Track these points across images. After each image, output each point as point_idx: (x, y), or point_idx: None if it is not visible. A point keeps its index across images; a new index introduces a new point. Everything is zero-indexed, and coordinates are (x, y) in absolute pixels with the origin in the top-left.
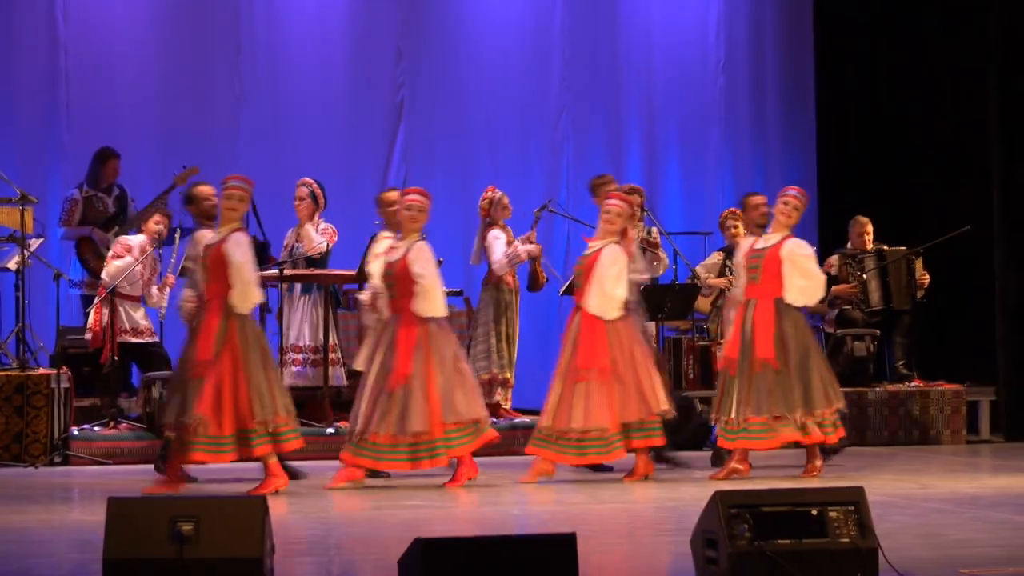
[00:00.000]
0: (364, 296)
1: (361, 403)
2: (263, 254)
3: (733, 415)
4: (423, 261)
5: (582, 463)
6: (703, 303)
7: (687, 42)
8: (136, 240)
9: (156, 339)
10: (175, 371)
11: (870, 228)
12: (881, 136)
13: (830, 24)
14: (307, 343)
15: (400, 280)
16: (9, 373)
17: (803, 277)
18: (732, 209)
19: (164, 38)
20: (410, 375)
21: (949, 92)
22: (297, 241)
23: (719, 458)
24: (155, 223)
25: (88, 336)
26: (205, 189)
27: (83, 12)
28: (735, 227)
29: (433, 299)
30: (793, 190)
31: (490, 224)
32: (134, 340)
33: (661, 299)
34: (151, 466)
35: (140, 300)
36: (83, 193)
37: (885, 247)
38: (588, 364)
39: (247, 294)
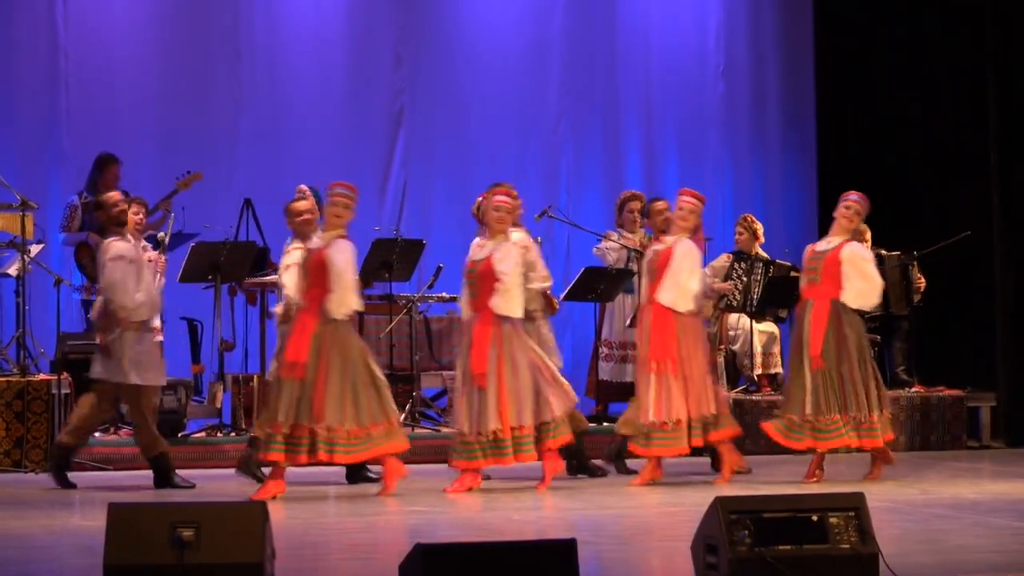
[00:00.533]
0: (277, 308)
1: (460, 407)
2: (263, 260)
3: (796, 416)
4: (509, 261)
5: (647, 455)
6: (706, 307)
7: (686, 46)
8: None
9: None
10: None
11: (869, 235)
12: (881, 140)
13: (830, 27)
14: None
15: (483, 279)
16: (10, 379)
17: (862, 280)
18: (746, 215)
19: (164, 42)
20: (485, 374)
21: (949, 95)
22: None
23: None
24: (133, 214)
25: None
26: (114, 195)
27: (83, 16)
28: (741, 233)
29: (512, 299)
30: (854, 195)
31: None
32: None
33: None
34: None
35: None
36: (82, 199)
37: (883, 252)
38: (660, 356)
39: (345, 300)
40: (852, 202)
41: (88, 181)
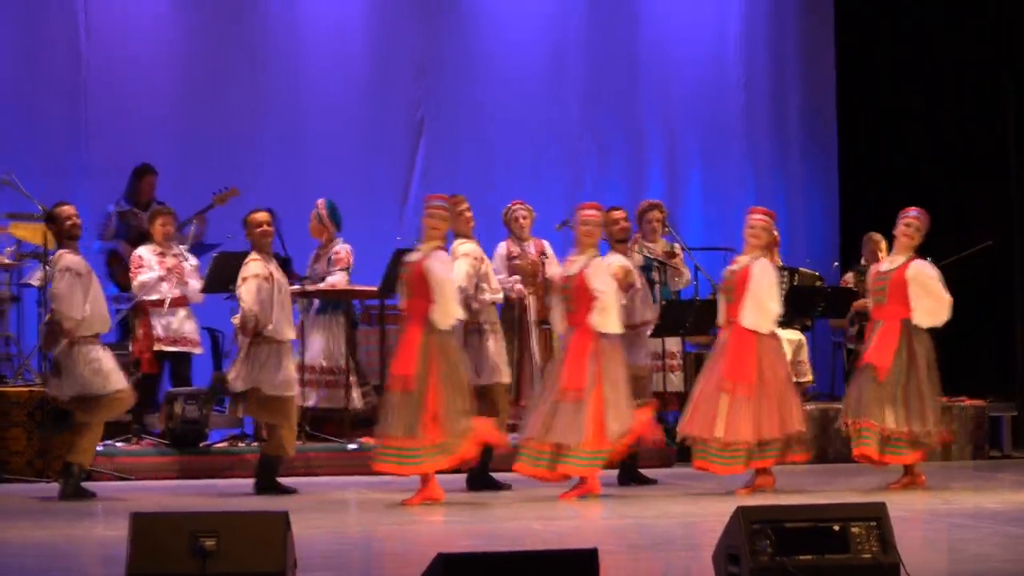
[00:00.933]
0: (235, 320)
1: (539, 415)
2: (286, 270)
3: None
4: (603, 278)
5: (707, 469)
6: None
7: (707, 57)
8: (147, 251)
9: (196, 350)
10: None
11: (884, 245)
12: (903, 148)
13: (851, 37)
14: (323, 364)
15: (578, 294)
16: (32, 389)
17: (930, 299)
18: None
19: (185, 54)
20: (584, 388)
21: (973, 107)
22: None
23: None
24: (160, 225)
25: (132, 348)
26: (67, 209)
27: (104, 28)
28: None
29: (610, 316)
30: (914, 211)
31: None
32: (169, 348)
33: (682, 314)
34: (173, 481)
35: (188, 308)
36: (118, 208)
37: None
38: (736, 378)
39: (448, 310)
40: (912, 219)
41: (126, 190)
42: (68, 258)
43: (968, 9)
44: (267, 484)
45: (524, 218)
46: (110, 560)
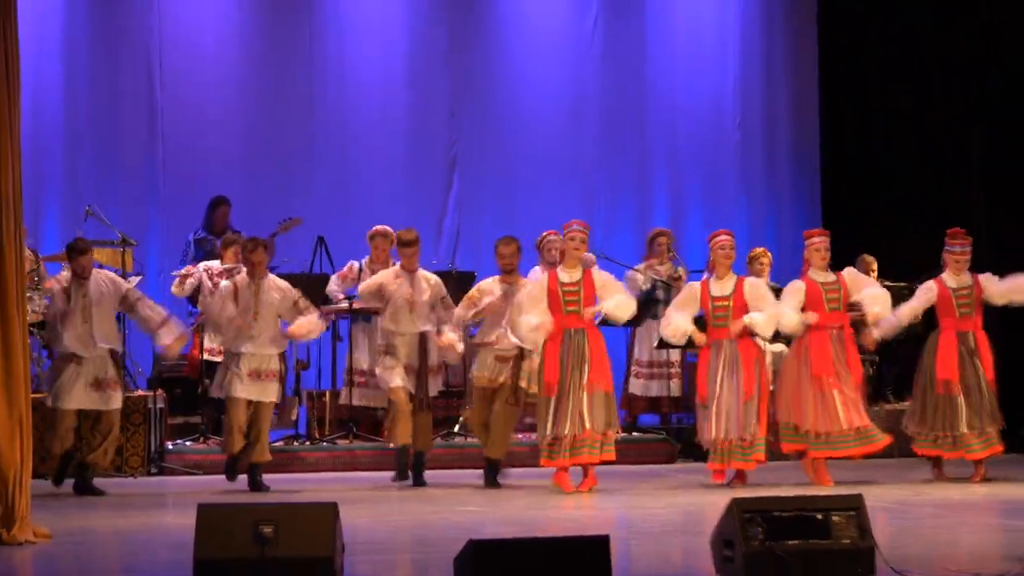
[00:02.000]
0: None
1: (719, 418)
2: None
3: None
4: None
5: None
6: (698, 336)
7: (707, 102)
8: (201, 267)
9: None
10: None
11: (875, 266)
12: (878, 187)
13: (834, 86)
14: (368, 367)
15: (736, 311)
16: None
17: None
18: (765, 250)
19: (247, 100)
20: (754, 393)
21: (949, 145)
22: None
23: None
24: (232, 252)
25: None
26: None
27: (175, 79)
28: (761, 265)
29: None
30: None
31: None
32: (216, 360)
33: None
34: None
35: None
36: (195, 236)
37: (886, 282)
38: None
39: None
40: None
41: (204, 220)
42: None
43: (944, 50)
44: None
45: (556, 248)
46: (179, 546)
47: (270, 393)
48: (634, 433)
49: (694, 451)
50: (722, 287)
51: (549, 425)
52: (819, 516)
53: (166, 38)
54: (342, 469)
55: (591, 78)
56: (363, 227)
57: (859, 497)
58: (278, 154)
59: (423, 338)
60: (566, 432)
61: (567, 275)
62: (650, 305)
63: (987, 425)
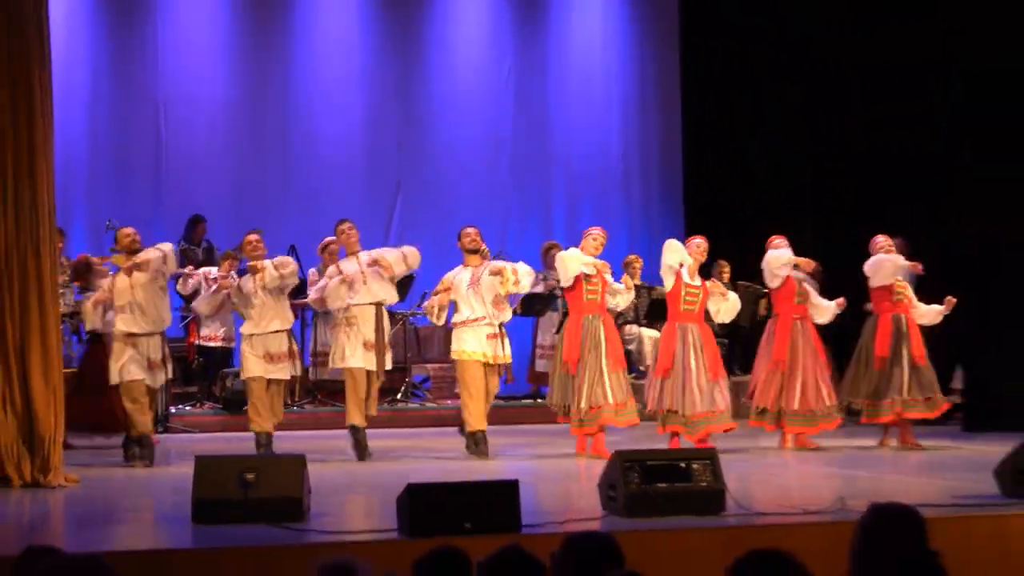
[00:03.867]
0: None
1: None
2: (303, 288)
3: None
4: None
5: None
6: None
7: (596, 140)
8: (202, 270)
9: (224, 345)
10: None
11: (727, 268)
12: (732, 201)
13: (696, 125)
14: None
15: (704, 300)
16: None
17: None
18: (634, 255)
19: (233, 141)
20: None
21: (792, 169)
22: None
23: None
24: (228, 266)
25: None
26: (125, 230)
27: (177, 117)
28: (634, 268)
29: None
30: (881, 237)
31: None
32: (207, 344)
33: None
34: (225, 434)
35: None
36: (180, 247)
37: (740, 283)
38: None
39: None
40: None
41: (184, 234)
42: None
43: (781, 90)
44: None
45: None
46: (180, 490)
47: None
48: (538, 400)
49: None
50: (694, 280)
51: (583, 398)
52: (682, 464)
53: (170, 92)
54: (309, 428)
55: (506, 122)
56: (324, 235)
57: (713, 450)
58: (258, 181)
59: (378, 310)
60: (600, 403)
61: (689, 278)
62: (550, 301)
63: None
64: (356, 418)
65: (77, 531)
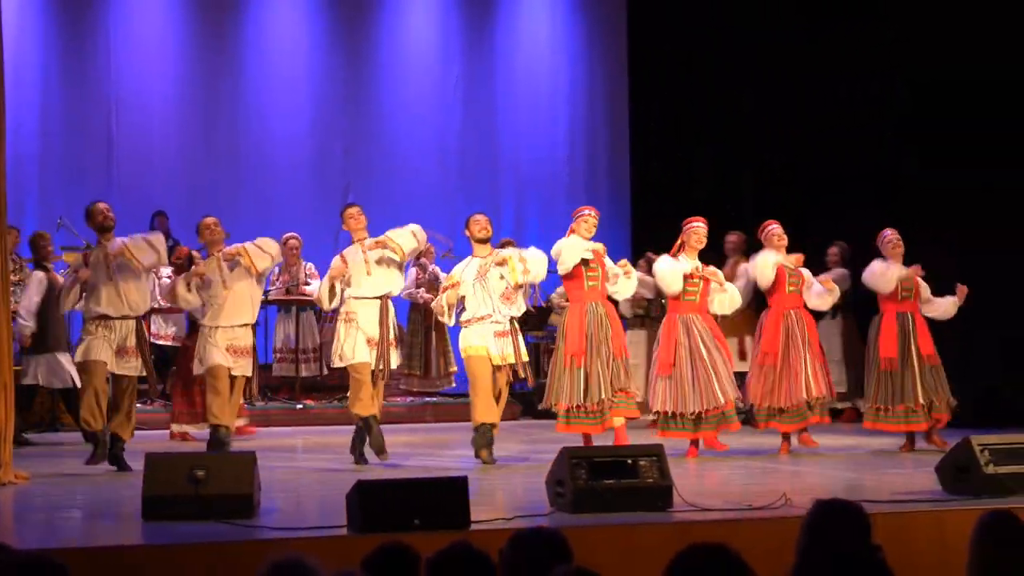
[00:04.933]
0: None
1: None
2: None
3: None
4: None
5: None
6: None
7: (543, 144)
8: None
9: (175, 344)
10: None
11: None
12: (675, 200)
13: (642, 132)
14: (291, 346)
15: (705, 289)
16: None
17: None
18: None
19: (186, 141)
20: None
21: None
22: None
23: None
24: (176, 259)
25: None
26: (100, 205)
27: (128, 113)
28: None
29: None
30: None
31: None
32: (158, 342)
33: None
34: (166, 431)
35: (164, 314)
36: None
37: None
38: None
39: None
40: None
41: (148, 229)
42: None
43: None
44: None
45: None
46: (131, 486)
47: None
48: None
49: (533, 411)
50: (691, 266)
51: (580, 392)
52: (629, 461)
53: (122, 92)
54: (261, 424)
55: (453, 126)
56: (277, 237)
57: (660, 447)
58: (211, 180)
59: (383, 304)
60: (602, 397)
61: (687, 266)
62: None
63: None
64: (369, 408)
65: (27, 528)
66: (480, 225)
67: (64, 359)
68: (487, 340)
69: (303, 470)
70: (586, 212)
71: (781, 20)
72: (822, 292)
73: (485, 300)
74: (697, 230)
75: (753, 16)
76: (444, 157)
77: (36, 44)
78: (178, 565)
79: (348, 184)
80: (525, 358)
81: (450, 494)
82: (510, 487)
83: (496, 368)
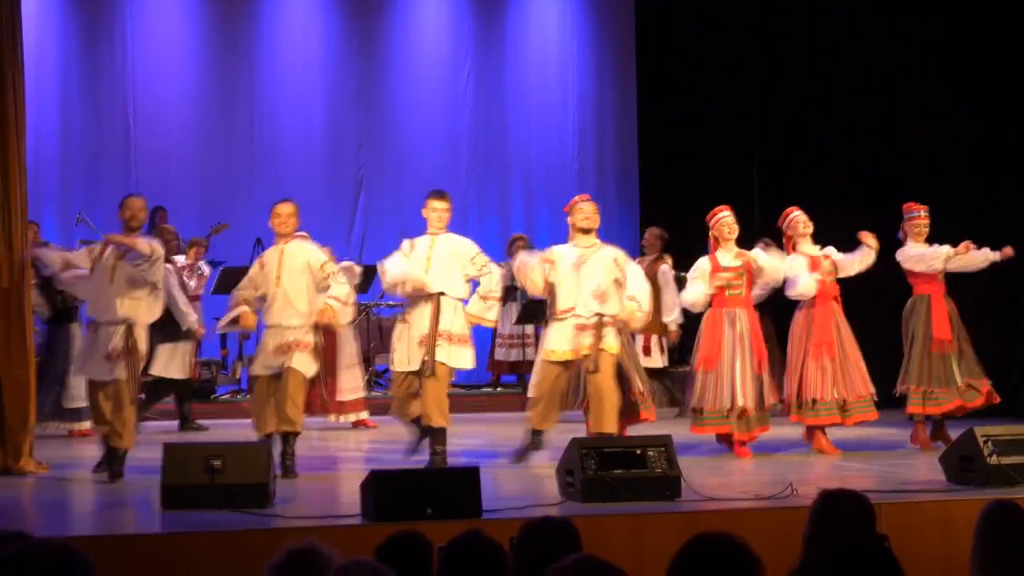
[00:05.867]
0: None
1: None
2: None
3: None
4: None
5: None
6: None
7: (552, 138)
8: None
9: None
10: None
11: (670, 261)
12: (682, 193)
13: (649, 128)
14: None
15: (749, 280)
16: None
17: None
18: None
19: (201, 135)
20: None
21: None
22: None
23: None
24: (195, 254)
25: None
26: (134, 201)
27: (146, 112)
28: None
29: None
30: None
31: None
32: None
33: (539, 308)
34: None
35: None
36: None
37: (683, 273)
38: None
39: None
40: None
41: (148, 226)
42: None
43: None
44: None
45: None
46: (150, 475)
47: None
48: (498, 389)
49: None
50: (731, 259)
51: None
52: (638, 451)
53: (139, 89)
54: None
55: (464, 121)
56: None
57: (668, 437)
58: (225, 176)
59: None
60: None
61: (727, 259)
62: (511, 291)
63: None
64: (436, 420)
65: (48, 516)
66: (584, 214)
67: (184, 348)
68: (564, 340)
69: (320, 459)
70: (722, 214)
71: (784, 12)
72: (861, 253)
73: (572, 293)
74: (725, 221)
75: (759, 12)
76: (455, 152)
77: (55, 43)
78: (195, 553)
79: (361, 179)
80: (612, 350)
81: (462, 484)
82: (521, 476)
83: (566, 365)
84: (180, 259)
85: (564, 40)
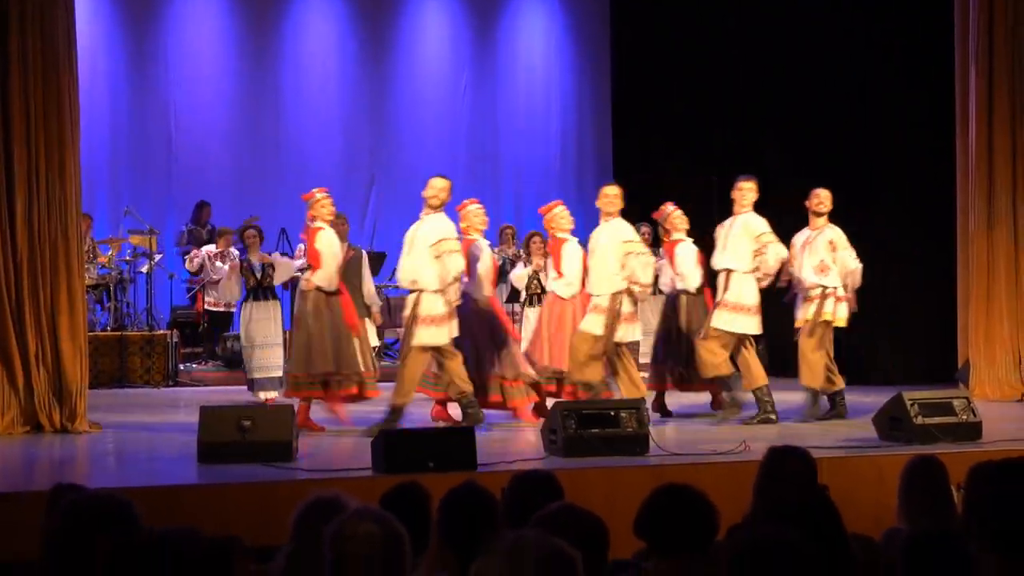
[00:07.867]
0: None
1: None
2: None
3: None
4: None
5: None
6: None
7: (538, 139)
8: (204, 250)
9: (226, 309)
10: None
11: (647, 232)
12: (652, 187)
13: (624, 122)
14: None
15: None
16: (143, 333)
17: None
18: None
19: (233, 138)
20: None
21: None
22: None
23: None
24: (224, 239)
25: (196, 309)
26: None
27: (186, 119)
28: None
29: None
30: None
31: None
32: (212, 309)
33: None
34: (226, 387)
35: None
36: (188, 228)
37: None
38: None
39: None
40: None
41: (192, 216)
42: None
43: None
44: None
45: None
46: (188, 434)
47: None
48: None
49: None
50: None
51: None
52: (612, 413)
53: (179, 94)
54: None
55: (462, 126)
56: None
57: (641, 400)
58: (255, 172)
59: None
60: None
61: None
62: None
63: None
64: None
65: (100, 470)
66: (819, 199)
67: None
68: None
69: (337, 420)
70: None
71: (757, 17)
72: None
73: (799, 268)
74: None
75: (734, 18)
76: (454, 153)
77: (104, 51)
78: (228, 502)
79: (372, 177)
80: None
81: (461, 441)
82: (511, 435)
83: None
84: (212, 248)
85: (548, 55)
